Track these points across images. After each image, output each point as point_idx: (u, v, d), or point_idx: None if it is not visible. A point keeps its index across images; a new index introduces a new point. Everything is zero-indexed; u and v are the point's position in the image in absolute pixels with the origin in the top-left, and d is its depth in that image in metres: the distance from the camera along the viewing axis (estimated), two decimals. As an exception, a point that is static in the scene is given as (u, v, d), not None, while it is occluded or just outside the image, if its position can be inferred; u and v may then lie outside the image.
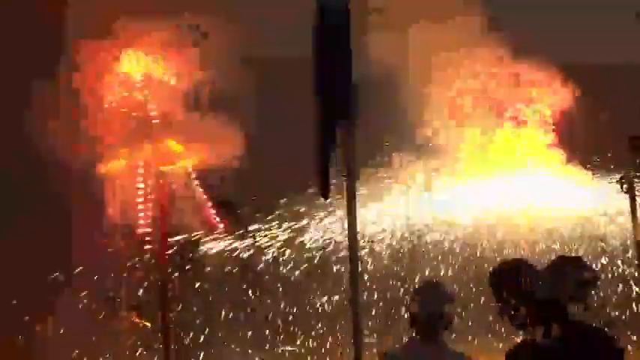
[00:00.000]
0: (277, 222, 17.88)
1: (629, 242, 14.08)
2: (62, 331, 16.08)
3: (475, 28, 16.48)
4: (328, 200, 4.00)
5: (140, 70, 18.08)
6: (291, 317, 14.70)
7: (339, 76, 3.78)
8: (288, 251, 16.00)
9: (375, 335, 13.68)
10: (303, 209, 16.60)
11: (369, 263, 14.11)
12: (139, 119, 17.73)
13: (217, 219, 18.33)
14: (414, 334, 3.56)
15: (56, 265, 15.84)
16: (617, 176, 14.40)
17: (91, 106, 17.20)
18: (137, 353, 15.74)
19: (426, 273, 14.64)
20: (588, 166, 16.94)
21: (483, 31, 16.37)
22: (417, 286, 3.59)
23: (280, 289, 15.56)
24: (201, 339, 15.00)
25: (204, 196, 18.21)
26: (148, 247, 17.66)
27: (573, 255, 3.27)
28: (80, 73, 16.86)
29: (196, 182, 18.25)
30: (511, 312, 2.91)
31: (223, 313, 15.09)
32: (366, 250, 14.75)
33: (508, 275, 2.98)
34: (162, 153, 17.83)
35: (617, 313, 12.37)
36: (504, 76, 17.57)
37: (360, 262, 4.21)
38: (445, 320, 3.53)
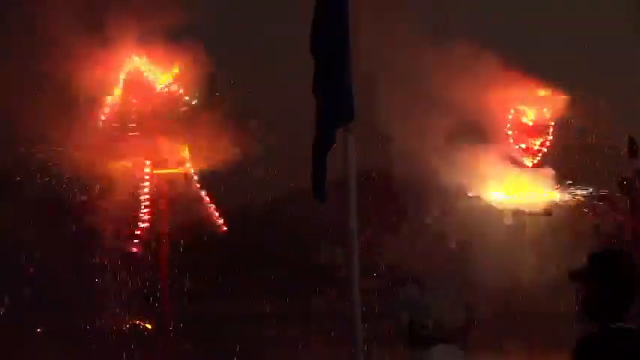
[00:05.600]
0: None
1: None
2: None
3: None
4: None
5: (145, 73, 17.97)
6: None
7: (338, 78, 3.74)
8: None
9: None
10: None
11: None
12: (145, 120, 17.65)
13: (220, 220, 18.25)
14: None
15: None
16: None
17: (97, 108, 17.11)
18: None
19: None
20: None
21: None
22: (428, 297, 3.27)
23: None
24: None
25: (207, 197, 18.16)
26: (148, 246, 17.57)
27: None
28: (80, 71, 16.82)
29: (198, 184, 18.19)
30: None
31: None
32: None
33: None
34: (167, 154, 17.79)
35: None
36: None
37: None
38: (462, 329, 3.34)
